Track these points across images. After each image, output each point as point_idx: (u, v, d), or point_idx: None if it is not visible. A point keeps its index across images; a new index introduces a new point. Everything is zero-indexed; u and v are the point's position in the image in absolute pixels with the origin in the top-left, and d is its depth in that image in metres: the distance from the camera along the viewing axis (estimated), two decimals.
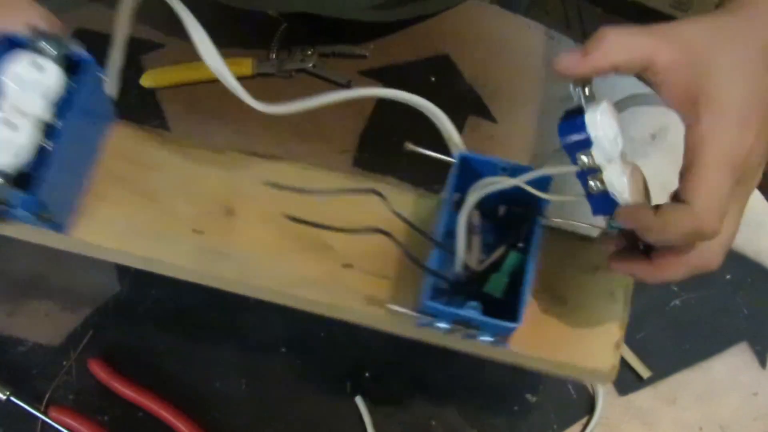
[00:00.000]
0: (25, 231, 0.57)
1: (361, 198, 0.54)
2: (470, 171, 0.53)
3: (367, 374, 0.68)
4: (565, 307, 0.57)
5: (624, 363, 0.68)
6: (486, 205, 0.54)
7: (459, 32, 0.78)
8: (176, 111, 0.74)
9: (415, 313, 0.53)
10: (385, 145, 0.69)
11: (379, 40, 0.77)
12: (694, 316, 0.70)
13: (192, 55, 0.70)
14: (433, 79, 0.76)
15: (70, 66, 0.52)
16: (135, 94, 0.73)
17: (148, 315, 0.69)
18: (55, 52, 0.51)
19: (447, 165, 0.70)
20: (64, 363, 0.67)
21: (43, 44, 0.51)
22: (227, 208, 0.58)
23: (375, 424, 0.66)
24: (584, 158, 0.47)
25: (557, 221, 0.55)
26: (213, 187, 0.58)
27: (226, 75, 0.55)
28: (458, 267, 0.53)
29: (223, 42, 0.77)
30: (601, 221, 0.50)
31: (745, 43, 0.46)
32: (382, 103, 0.75)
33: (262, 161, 0.60)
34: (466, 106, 0.75)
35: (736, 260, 0.71)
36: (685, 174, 0.45)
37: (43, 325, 0.68)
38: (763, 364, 0.69)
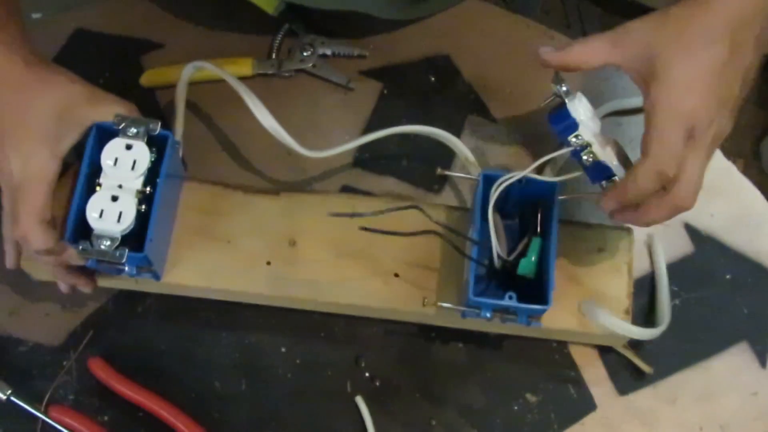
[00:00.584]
0: (127, 282, 0.67)
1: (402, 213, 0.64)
2: (491, 183, 0.63)
3: (367, 374, 0.68)
4: (580, 285, 0.67)
5: (624, 363, 0.68)
6: (507, 209, 0.65)
7: (459, 32, 0.78)
8: None
9: (462, 308, 0.63)
10: (385, 146, 0.69)
11: (379, 39, 0.77)
12: (694, 316, 0.70)
13: (191, 56, 0.70)
14: (433, 79, 0.76)
15: (153, 140, 0.63)
16: (135, 94, 0.73)
17: (148, 315, 0.69)
18: (139, 132, 0.62)
19: (444, 166, 0.71)
20: (64, 363, 0.67)
21: (130, 127, 0.62)
22: (290, 240, 0.67)
23: (375, 424, 0.66)
24: (575, 139, 0.60)
25: (566, 197, 0.65)
26: (276, 224, 0.68)
27: (280, 132, 0.67)
28: (495, 251, 0.63)
29: (224, 42, 0.77)
30: (597, 188, 0.62)
31: (685, 27, 0.57)
32: (381, 103, 0.75)
33: (313, 196, 0.69)
34: (466, 106, 0.75)
35: (736, 260, 0.71)
36: (643, 135, 0.57)
37: (43, 325, 0.68)
38: (763, 363, 0.69)
